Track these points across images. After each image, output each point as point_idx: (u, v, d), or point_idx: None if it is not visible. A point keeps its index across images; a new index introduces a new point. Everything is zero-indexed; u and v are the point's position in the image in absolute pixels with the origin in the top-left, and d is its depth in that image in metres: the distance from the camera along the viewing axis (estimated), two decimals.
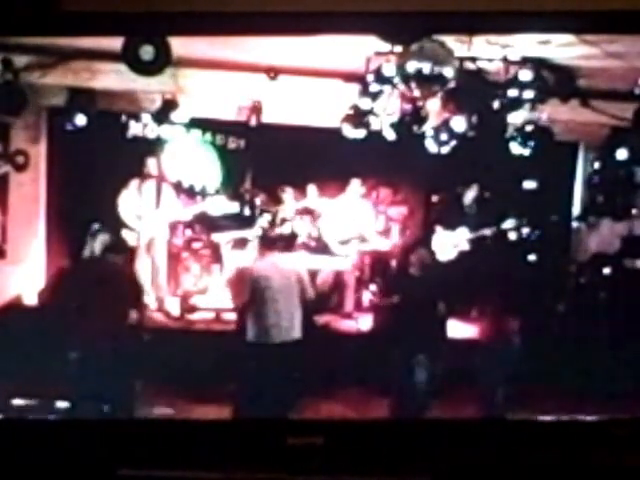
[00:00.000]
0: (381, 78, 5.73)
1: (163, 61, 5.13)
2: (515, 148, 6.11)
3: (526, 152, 6.12)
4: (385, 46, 5.35)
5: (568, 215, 6.66)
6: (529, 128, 6.03)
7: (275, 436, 4.41)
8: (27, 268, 6.33)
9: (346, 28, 4.63)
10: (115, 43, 5.06)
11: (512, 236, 6.36)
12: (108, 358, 5.05)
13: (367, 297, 6.84)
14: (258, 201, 6.93)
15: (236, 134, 6.98)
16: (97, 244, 5.96)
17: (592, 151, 6.60)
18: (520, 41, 5.33)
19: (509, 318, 5.43)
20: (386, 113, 6.12)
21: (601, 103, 6.00)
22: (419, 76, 5.02)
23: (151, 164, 6.65)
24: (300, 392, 5.23)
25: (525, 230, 6.32)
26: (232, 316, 5.93)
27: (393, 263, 6.72)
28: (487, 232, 6.49)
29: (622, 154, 5.93)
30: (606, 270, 6.10)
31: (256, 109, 6.59)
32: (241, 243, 6.65)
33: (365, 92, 6.03)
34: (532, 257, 6.25)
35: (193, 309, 6.50)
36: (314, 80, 6.37)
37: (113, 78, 5.91)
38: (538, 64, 5.61)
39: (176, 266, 6.75)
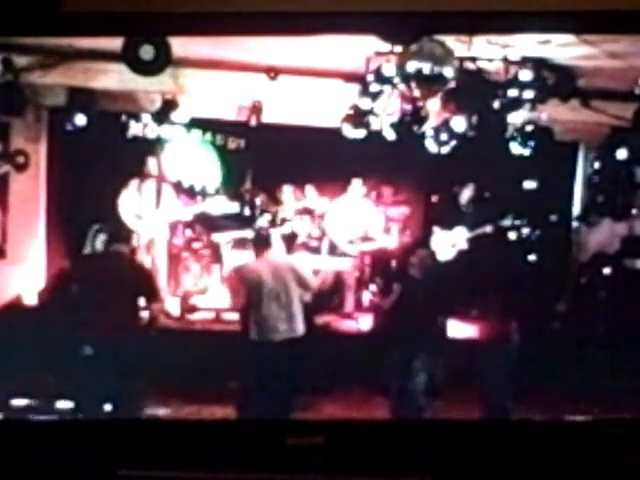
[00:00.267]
0: (381, 78, 5.73)
1: (163, 61, 5.14)
2: (515, 148, 6.12)
3: (526, 152, 6.12)
4: (385, 46, 5.36)
5: (568, 215, 6.67)
6: (529, 128, 6.05)
7: (275, 436, 4.41)
8: (27, 268, 6.33)
9: (346, 28, 4.63)
10: (115, 43, 5.07)
11: (512, 236, 6.37)
12: (108, 358, 5.04)
13: (367, 297, 6.85)
14: (258, 201, 6.94)
15: (236, 134, 7.00)
16: (98, 243, 5.96)
17: (592, 151, 6.61)
18: (520, 41, 5.33)
19: (509, 318, 5.43)
20: (386, 113, 6.13)
21: (601, 103, 6.01)
22: (419, 76, 5.01)
23: (151, 164, 6.66)
24: (300, 392, 5.23)
25: (525, 230, 6.33)
26: (232, 316, 5.94)
27: (393, 263, 6.73)
28: (487, 229, 6.49)
29: (622, 154, 5.94)
30: (606, 270, 6.11)
31: (256, 109, 6.59)
32: (241, 243, 6.64)
33: (365, 92, 6.04)
34: (532, 257, 6.26)
35: (193, 309, 6.51)
36: (314, 80, 6.37)
37: (113, 78, 5.91)
38: (538, 64, 5.61)
39: (176, 266, 6.75)
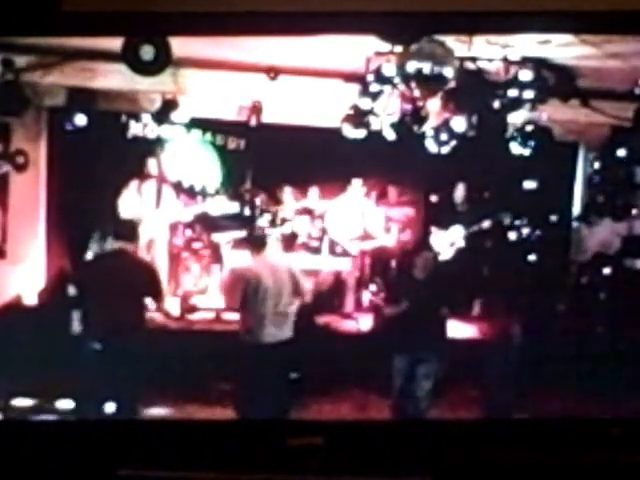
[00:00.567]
0: (381, 78, 5.73)
1: (163, 61, 5.13)
2: (515, 148, 6.12)
3: (526, 152, 6.12)
4: (385, 46, 5.36)
5: (568, 215, 6.67)
6: (529, 128, 6.04)
7: (275, 436, 4.41)
8: (27, 268, 6.33)
9: (346, 28, 4.63)
10: (115, 43, 5.06)
11: (512, 236, 6.37)
12: (108, 358, 5.04)
13: (367, 297, 6.84)
14: (258, 201, 6.94)
15: (236, 134, 6.99)
16: (100, 242, 5.96)
17: (592, 151, 6.62)
18: (520, 41, 5.33)
19: (509, 318, 5.43)
20: (386, 113, 6.12)
21: (601, 103, 6.00)
22: (419, 76, 5.01)
23: (151, 164, 6.66)
24: (300, 392, 5.23)
25: (525, 230, 6.33)
26: (232, 316, 5.93)
27: (393, 263, 6.73)
28: (485, 225, 6.49)
29: (622, 154, 5.94)
30: (606, 270, 6.11)
31: (256, 109, 6.59)
32: (241, 243, 6.64)
33: (365, 92, 6.03)
34: (532, 257, 6.25)
35: (193, 309, 6.50)
36: (314, 80, 6.37)
37: (113, 78, 5.91)
38: (538, 64, 5.61)
39: (176, 266, 6.75)
